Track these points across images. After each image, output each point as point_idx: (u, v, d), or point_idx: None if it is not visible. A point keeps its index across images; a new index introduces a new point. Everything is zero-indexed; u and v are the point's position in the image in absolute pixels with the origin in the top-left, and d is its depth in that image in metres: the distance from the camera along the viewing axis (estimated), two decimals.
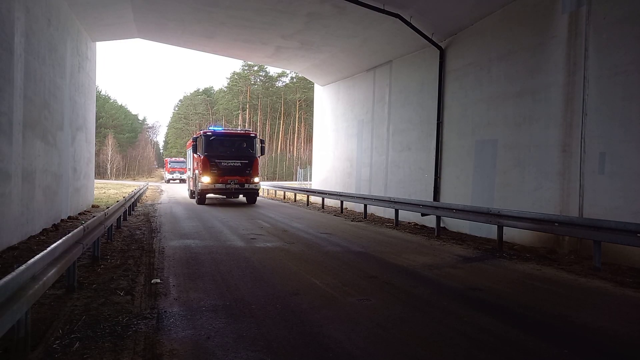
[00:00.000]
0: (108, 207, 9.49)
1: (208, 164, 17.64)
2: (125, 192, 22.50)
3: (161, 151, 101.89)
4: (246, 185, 17.90)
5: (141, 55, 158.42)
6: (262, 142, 19.01)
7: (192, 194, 21.72)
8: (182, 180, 49.17)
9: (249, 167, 18.12)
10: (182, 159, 57.88)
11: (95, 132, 18.37)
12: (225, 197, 20.42)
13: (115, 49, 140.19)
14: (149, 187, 30.52)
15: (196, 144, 18.86)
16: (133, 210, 14.79)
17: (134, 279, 5.77)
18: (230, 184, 17.58)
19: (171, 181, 49.32)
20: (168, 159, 57.64)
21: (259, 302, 4.84)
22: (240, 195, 19.27)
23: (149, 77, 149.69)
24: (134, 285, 5.46)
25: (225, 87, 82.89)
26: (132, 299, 4.92)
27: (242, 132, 21.01)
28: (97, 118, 19.76)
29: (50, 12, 10.21)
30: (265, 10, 12.44)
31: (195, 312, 4.46)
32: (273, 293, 5.24)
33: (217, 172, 17.55)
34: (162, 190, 31.53)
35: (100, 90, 70.30)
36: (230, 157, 18.07)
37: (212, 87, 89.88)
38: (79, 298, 4.85)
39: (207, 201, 19.13)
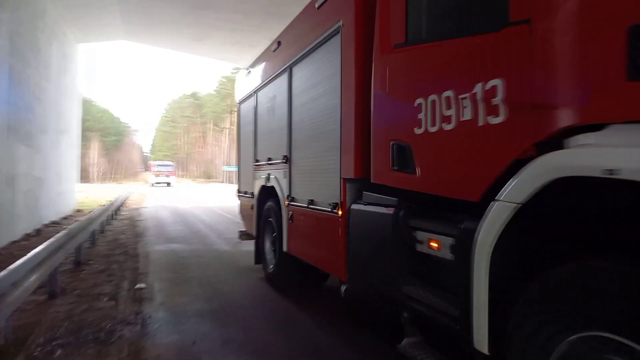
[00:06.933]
0: (92, 212, 9.36)
1: None
2: (110, 196, 22.20)
3: (147, 154, 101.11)
4: None
5: (127, 59, 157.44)
6: None
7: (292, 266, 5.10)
8: (168, 184, 48.95)
9: None
10: (168, 162, 57.59)
11: (81, 136, 18.10)
12: None
13: (101, 53, 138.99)
14: (134, 191, 30.18)
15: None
16: (117, 214, 14.60)
17: (118, 284, 5.69)
18: None
19: (156, 185, 49.02)
20: (153, 163, 57.27)
21: (246, 306, 4.81)
22: None
23: (135, 81, 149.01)
24: (118, 291, 5.38)
25: (214, 90, 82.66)
26: (116, 304, 4.85)
27: None
28: (83, 122, 19.15)
29: (36, 14, 10.08)
30: (255, 13, 12.44)
31: (180, 317, 4.42)
32: (262, 296, 5.22)
33: None
34: (146, 194, 31.18)
35: (85, 93, 69.51)
36: None
37: (199, 92, 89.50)
38: (61, 304, 4.76)
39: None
